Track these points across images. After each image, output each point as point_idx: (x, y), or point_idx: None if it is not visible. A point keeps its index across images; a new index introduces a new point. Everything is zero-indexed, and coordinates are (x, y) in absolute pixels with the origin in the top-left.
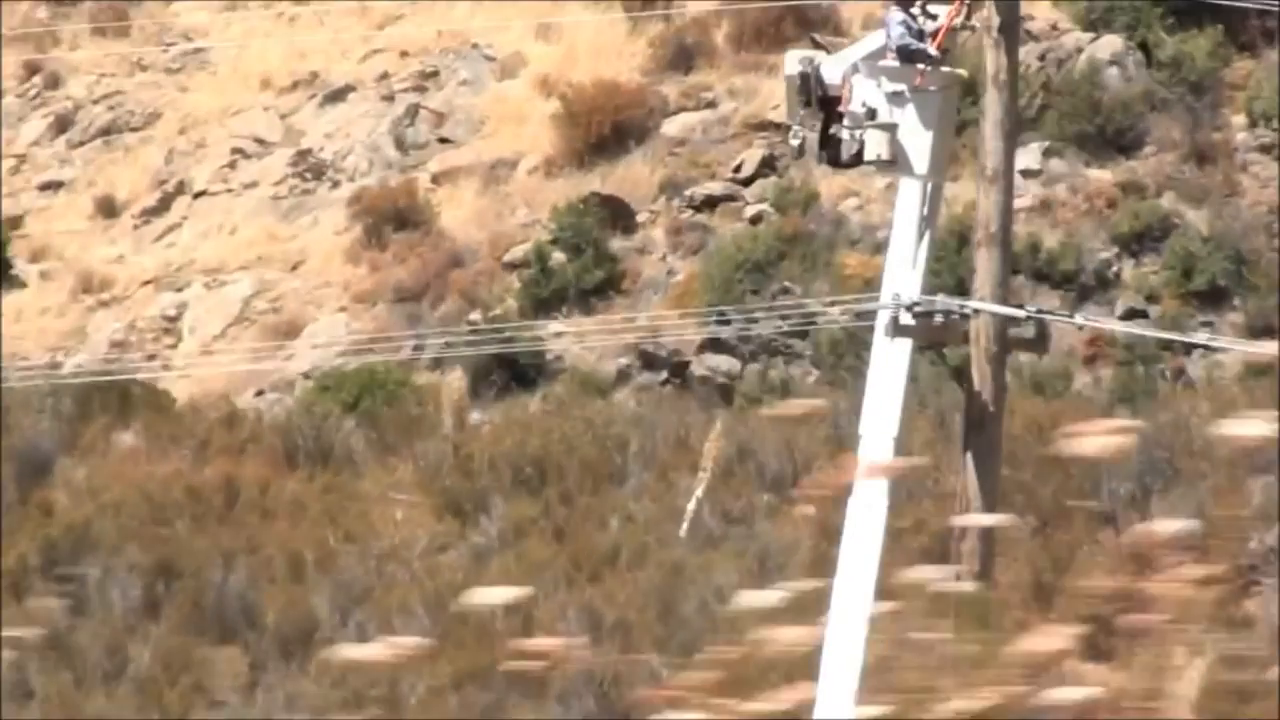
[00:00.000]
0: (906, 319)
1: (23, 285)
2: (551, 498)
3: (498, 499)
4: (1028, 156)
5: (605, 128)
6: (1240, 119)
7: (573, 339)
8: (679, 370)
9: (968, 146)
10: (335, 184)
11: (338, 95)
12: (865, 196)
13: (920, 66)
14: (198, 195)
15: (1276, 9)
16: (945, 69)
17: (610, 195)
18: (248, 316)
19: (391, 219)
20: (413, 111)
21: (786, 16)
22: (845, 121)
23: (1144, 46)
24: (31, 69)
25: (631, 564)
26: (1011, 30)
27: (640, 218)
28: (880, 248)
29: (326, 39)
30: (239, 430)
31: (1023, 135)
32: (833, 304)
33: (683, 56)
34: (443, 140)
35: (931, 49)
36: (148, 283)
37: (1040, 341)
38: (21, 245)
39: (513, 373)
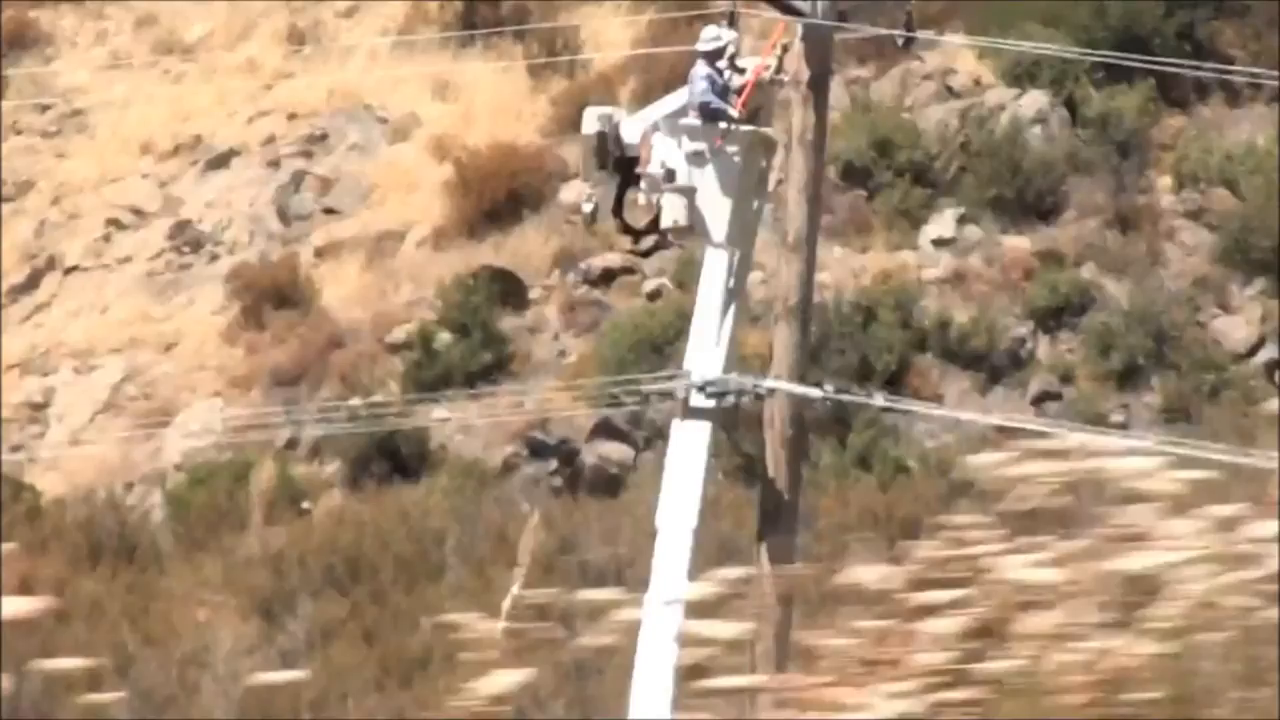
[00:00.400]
0: (699, 400)
1: None
2: (362, 597)
3: (306, 599)
4: (941, 224)
5: (500, 194)
6: (1167, 181)
7: (457, 426)
8: (569, 459)
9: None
10: (214, 258)
11: (221, 160)
12: (769, 270)
13: (722, 126)
14: (69, 271)
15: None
16: (749, 128)
17: (501, 269)
18: (118, 403)
19: (271, 297)
20: (298, 178)
21: None
22: (642, 184)
23: (1070, 103)
24: None
25: (443, 668)
26: (821, 85)
27: (533, 293)
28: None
29: (212, 100)
30: (40, 526)
31: (937, 200)
32: (624, 384)
33: None
34: (328, 210)
35: (733, 110)
36: (13, 366)
37: (842, 424)
38: None
39: (394, 462)
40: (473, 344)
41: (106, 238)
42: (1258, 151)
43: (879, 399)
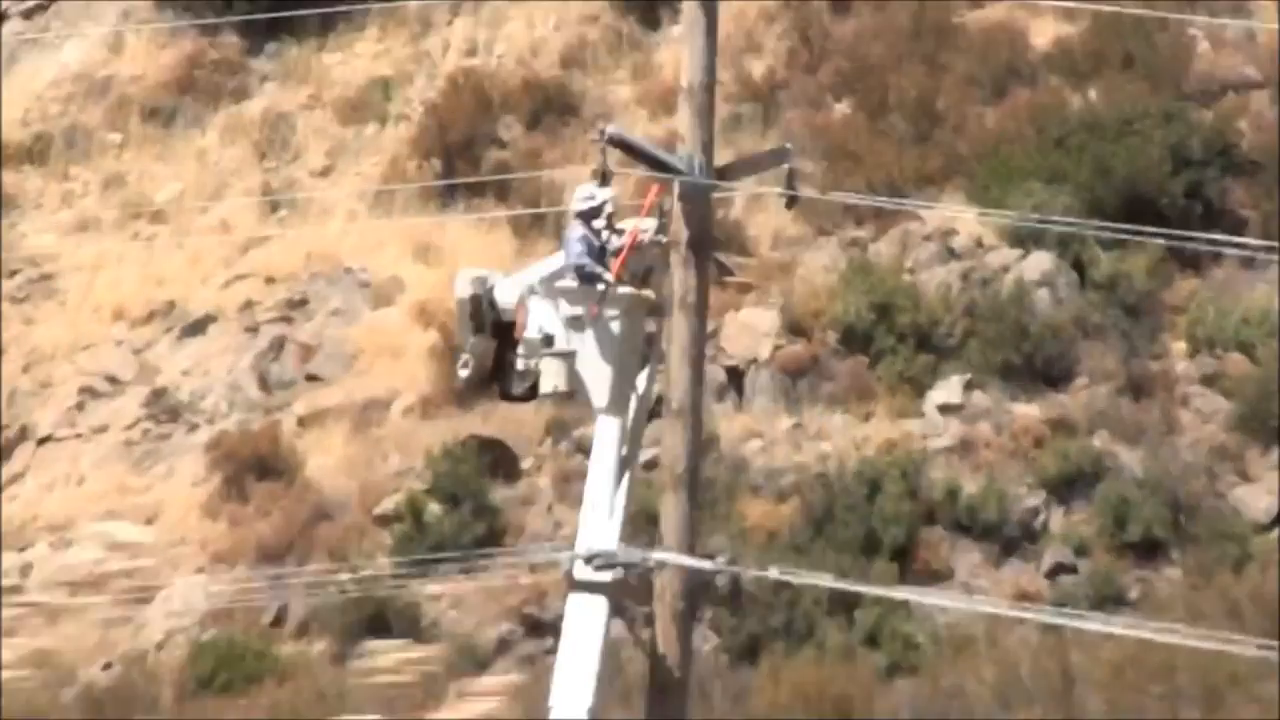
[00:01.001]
0: (588, 574)
1: None
2: None
3: None
4: (948, 390)
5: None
6: (1181, 346)
7: (450, 601)
8: None
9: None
10: (193, 427)
11: (197, 327)
12: (769, 438)
13: (599, 287)
14: (42, 441)
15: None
16: (628, 291)
17: (491, 438)
18: (97, 579)
19: (253, 467)
20: (278, 345)
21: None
22: (520, 349)
23: (1077, 265)
24: None
25: None
26: (702, 246)
27: (525, 464)
28: (785, 495)
29: (185, 263)
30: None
31: (942, 366)
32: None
33: None
34: (310, 377)
35: (609, 273)
36: None
37: (735, 598)
38: None
39: (385, 639)
40: (464, 516)
41: (80, 406)
42: (1273, 315)
43: (773, 572)
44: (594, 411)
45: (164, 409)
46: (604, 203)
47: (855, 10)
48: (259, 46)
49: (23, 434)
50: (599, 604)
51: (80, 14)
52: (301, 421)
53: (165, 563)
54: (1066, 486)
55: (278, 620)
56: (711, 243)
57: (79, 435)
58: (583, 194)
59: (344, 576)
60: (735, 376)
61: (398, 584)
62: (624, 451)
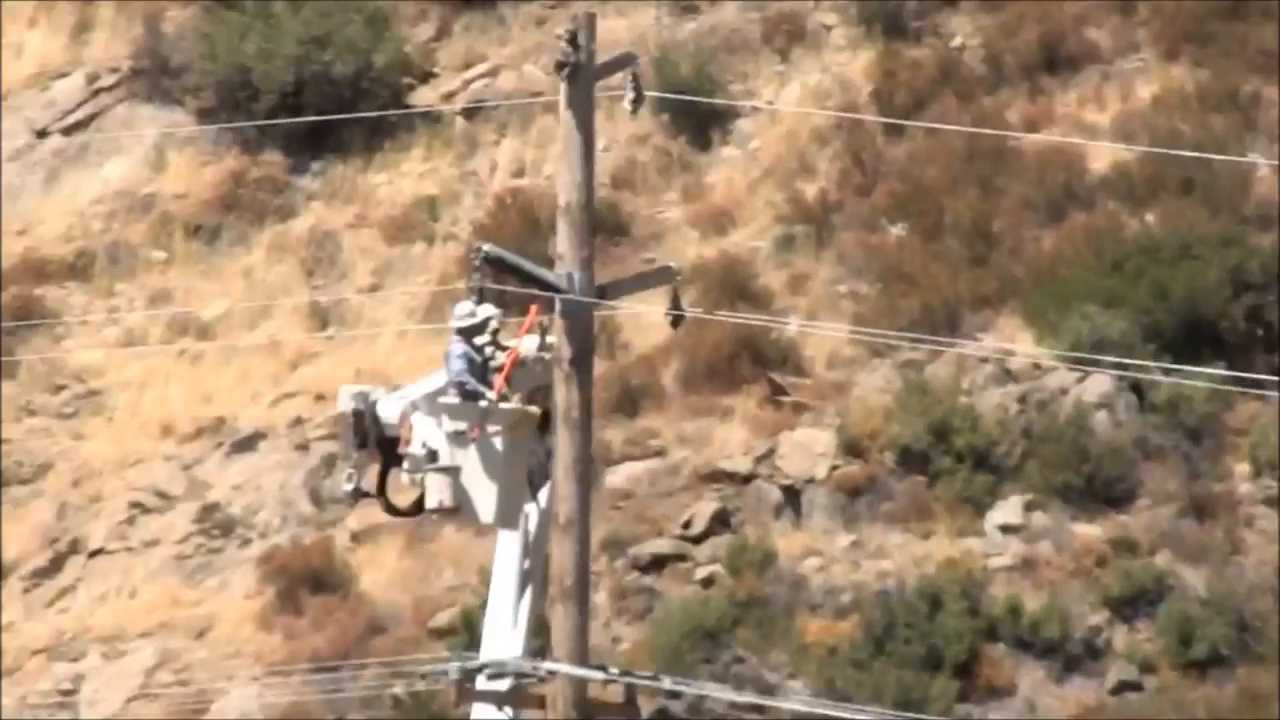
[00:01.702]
0: (483, 683)
1: None
2: None
3: None
4: (1008, 510)
5: None
6: (1244, 468)
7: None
8: None
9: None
10: (245, 542)
11: (247, 443)
12: (828, 556)
13: (481, 404)
14: (93, 554)
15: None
16: (511, 406)
17: (547, 554)
18: (151, 690)
19: (307, 581)
20: (329, 461)
21: (742, 354)
22: (405, 464)
23: (1137, 388)
24: None
25: None
26: (584, 362)
27: None
28: (845, 612)
29: (233, 380)
30: None
31: (1002, 487)
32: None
33: (628, 399)
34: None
35: (490, 390)
36: (39, 652)
37: (630, 706)
38: None
39: None
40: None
41: (131, 520)
42: None
43: (666, 682)
44: (480, 526)
45: (215, 524)
46: (486, 319)
47: (909, 133)
48: (303, 165)
49: (74, 547)
50: (490, 712)
51: (122, 131)
52: (355, 537)
53: (219, 675)
54: (1129, 605)
55: None
56: (592, 359)
57: (130, 549)
58: (462, 311)
59: (398, 690)
60: (792, 495)
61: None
62: (526, 565)
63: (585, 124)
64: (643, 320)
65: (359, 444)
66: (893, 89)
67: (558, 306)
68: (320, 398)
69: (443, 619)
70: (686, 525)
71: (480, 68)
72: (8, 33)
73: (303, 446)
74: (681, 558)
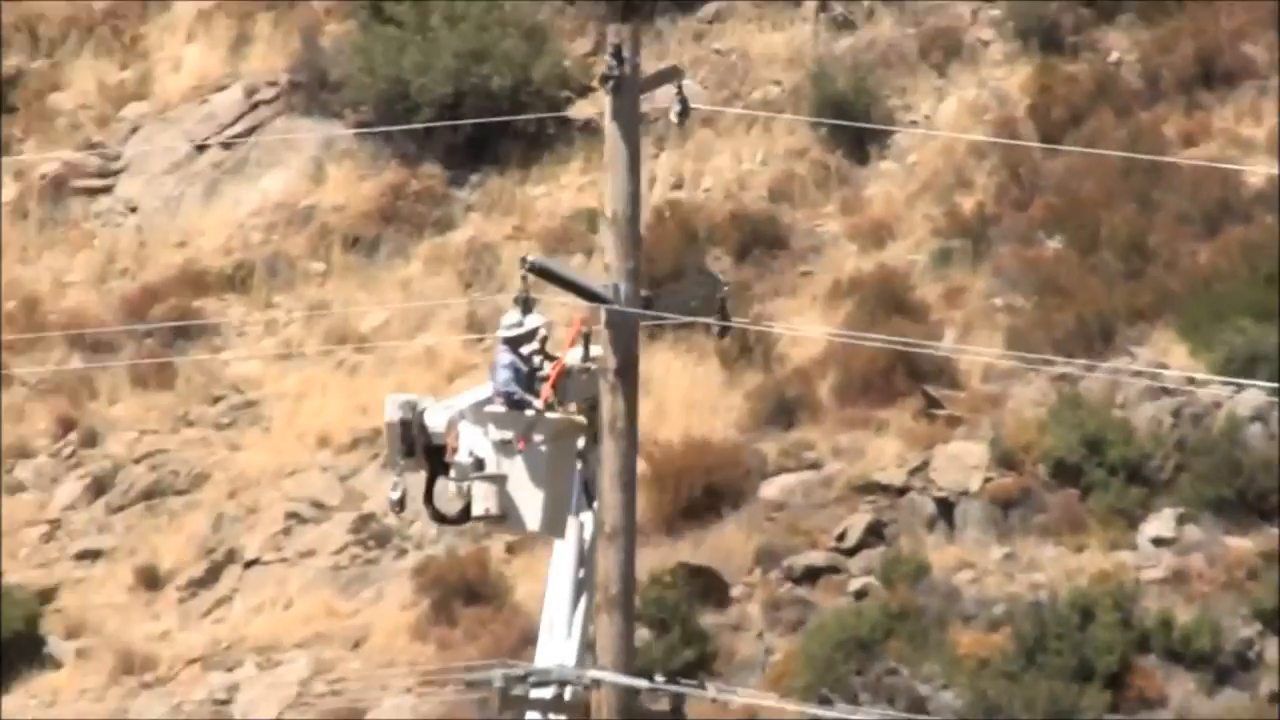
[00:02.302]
0: (522, 690)
1: (57, 665)
2: None
3: None
4: (1160, 523)
5: (696, 490)
6: None
7: None
8: None
9: None
10: (401, 553)
11: None
12: (981, 568)
13: (527, 414)
14: (249, 565)
15: None
16: (558, 415)
17: (701, 566)
18: (306, 700)
19: (461, 592)
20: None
21: (897, 367)
22: (452, 473)
23: None
24: (66, 424)
25: None
26: (629, 373)
27: (734, 591)
28: (997, 624)
29: (391, 391)
30: None
31: (1155, 500)
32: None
33: (783, 411)
34: None
35: (537, 400)
36: (194, 661)
37: (676, 714)
38: (55, 620)
39: None
40: (673, 641)
41: (287, 531)
42: None
43: (712, 690)
44: (526, 534)
45: (371, 534)
46: (534, 329)
47: (1065, 146)
48: (462, 177)
49: (230, 557)
50: None
51: (280, 144)
52: (509, 548)
53: (373, 685)
54: None
55: None
56: (637, 369)
57: (285, 559)
58: (509, 321)
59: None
60: (945, 508)
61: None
62: (581, 574)
63: (631, 136)
64: (800, 334)
65: (406, 452)
66: (1049, 103)
67: (603, 317)
68: None
69: (593, 631)
70: (840, 537)
71: None
72: (167, 46)
73: None
74: (835, 569)
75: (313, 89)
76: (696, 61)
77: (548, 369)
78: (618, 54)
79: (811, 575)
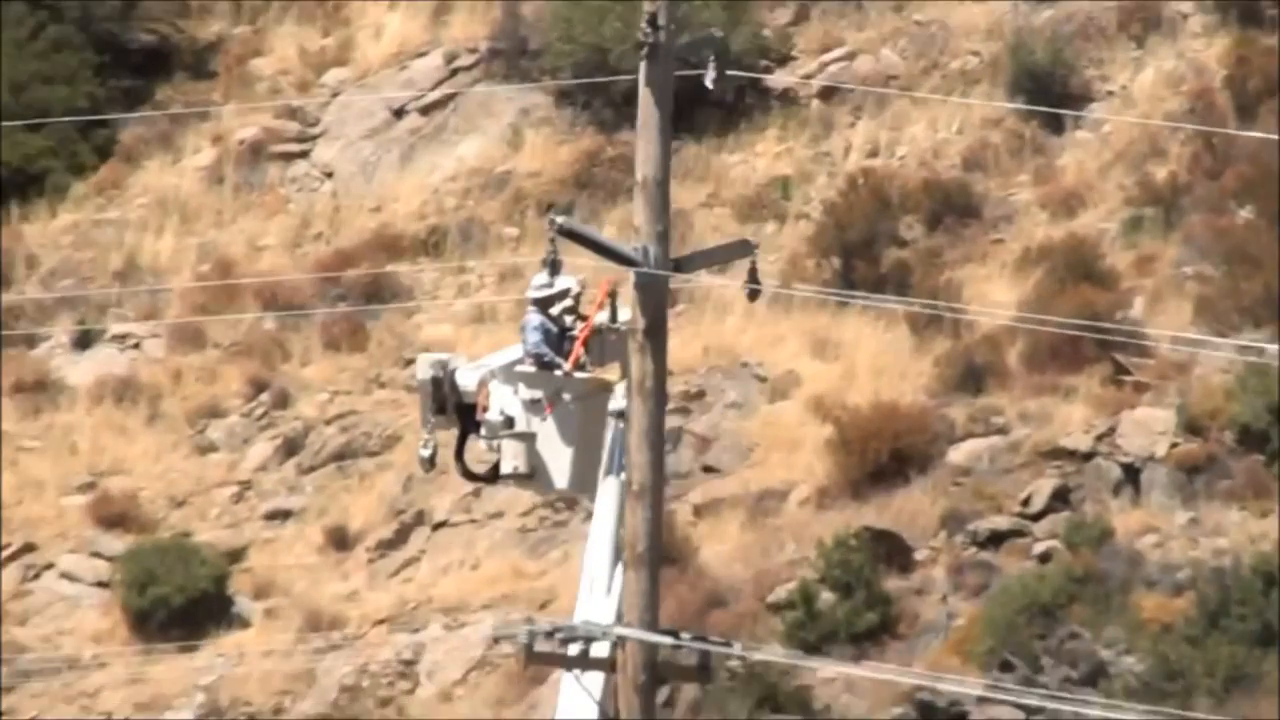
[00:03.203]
0: (545, 646)
1: (245, 624)
2: None
3: None
4: None
5: (883, 455)
6: None
7: (843, 686)
8: None
9: None
10: (589, 515)
11: None
12: (1165, 533)
13: (558, 373)
14: (437, 526)
15: None
16: (586, 375)
17: (885, 530)
18: (491, 660)
19: None
20: (675, 436)
21: (1085, 334)
22: (482, 431)
23: None
24: (259, 386)
25: None
26: (658, 334)
27: (919, 555)
28: (1180, 589)
29: None
30: None
31: None
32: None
33: (971, 377)
34: (707, 469)
35: (566, 364)
36: (381, 622)
37: (703, 671)
38: (244, 580)
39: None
40: (856, 604)
41: (476, 493)
42: None
43: (737, 648)
44: (554, 493)
45: (560, 497)
46: (565, 290)
47: (1261, 118)
48: None
49: (419, 518)
50: (595, 680)
51: (478, 111)
52: (697, 511)
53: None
54: None
55: (669, 701)
56: (665, 330)
57: (474, 521)
58: (538, 282)
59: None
60: (1131, 473)
61: (789, 668)
62: (622, 531)
63: (663, 102)
64: (988, 299)
65: (437, 410)
66: (1246, 75)
67: (632, 279)
68: (669, 374)
69: (781, 594)
70: (1025, 502)
71: (837, 51)
72: (368, 14)
73: None
74: (1019, 534)
75: (512, 56)
76: (896, 32)
77: (580, 330)
78: (653, 21)
79: (996, 540)
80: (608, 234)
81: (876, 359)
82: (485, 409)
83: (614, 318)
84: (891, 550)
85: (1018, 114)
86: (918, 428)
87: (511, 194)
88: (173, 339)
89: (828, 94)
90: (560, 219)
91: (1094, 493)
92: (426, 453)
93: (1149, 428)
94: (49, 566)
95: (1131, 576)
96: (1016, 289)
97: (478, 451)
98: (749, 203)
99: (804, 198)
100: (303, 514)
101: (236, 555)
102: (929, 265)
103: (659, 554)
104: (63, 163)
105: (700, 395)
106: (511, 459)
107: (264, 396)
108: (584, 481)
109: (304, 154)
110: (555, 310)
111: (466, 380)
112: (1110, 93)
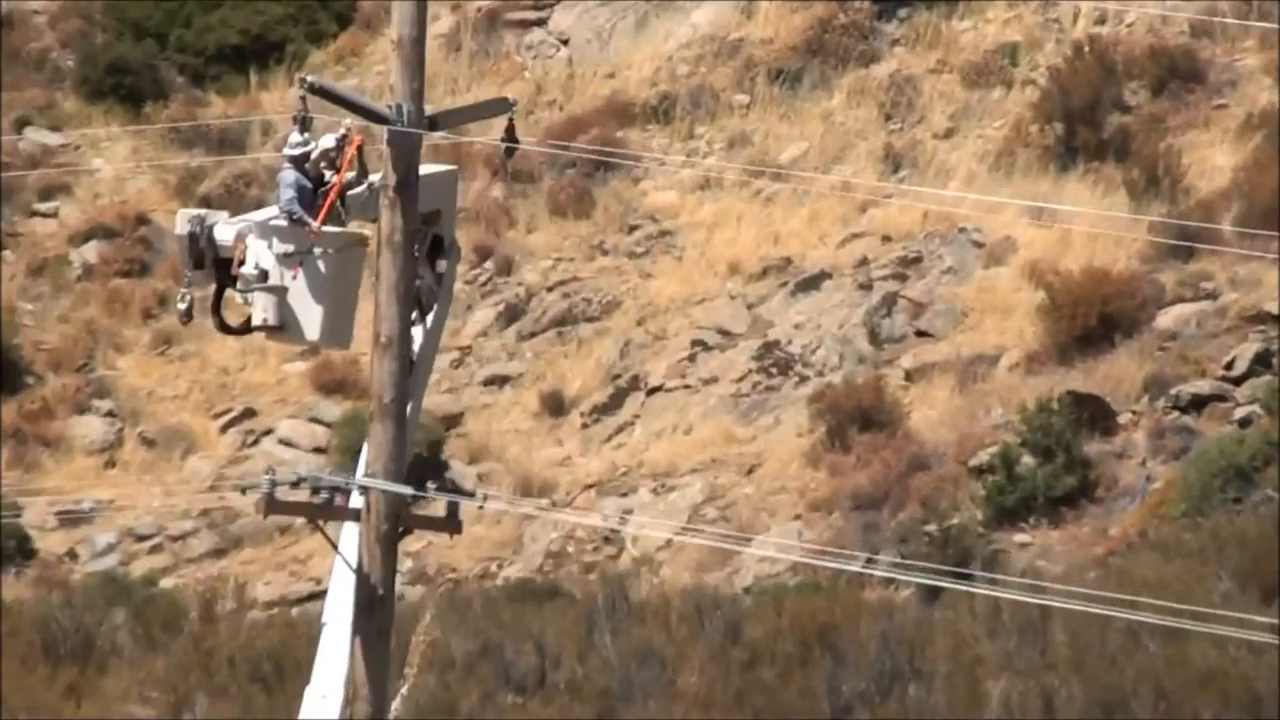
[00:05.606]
0: (293, 496)
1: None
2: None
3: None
4: None
5: (1092, 320)
6: None
7: (1039, 551)
8: None
9: None
10: (801, 380)
11: (811, 283)
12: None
13: (312, 224)
14: (652, 391)
15: None
16: (340, 229)
17: (1088, 394)
18: (695, 525)
19: (856, 419)
20: (890, 301)
21: None
22: (238, 285)
23: None
24: (484, 253)
25: None
26: (408, 190)
27: (1121, 419)
28: None
29: (803, 221)
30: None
31: None
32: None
33: (1184, 241)
34: (920, 333)
35: (315, 222)
36: (590, 487)
37: (452, 520)
38: (459, 445)
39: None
40: (1055, 468)
41: (691, 358)
42: None
43: (480, 497)
44: (306, 344)
45: (774, 362)
46: (317, 147)
47: None
48: (890, 11)
49: (634, 384)
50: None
51: None
52: (908, 376)
53: (763, 510)
54: None
55: (868, 565)
56: (417, 187)
57: (688, 386)
58: (294, 140)
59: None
60: None
61: (984, 533)
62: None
63: None
64: (1208, 164)
65: (195, 264)
66: None
67: (385, 136)
68: (887, 239)
69: (983, 457)
70: (1228, 366)
71: None
72: None
73: (865, 286)
74: (1221, 398)
75: None
76: None
77: (329, 186)
78: None
79: (1198, 404)
80: (838, 101)
81: (1093, 223)
82: (241, 263)
83: (363, 174)
84: (1094, 414)
85: None
86: (1127, 293)
87: (743, 61)
88: None
89: None
90: (310, 78)
91: None
92: (183, 306)
93: None
94: (268, 432)
95: None
96: (1236, 154)
97: (236, 306)
98: (976, 69)
99: (1031, 64)
100: (520, 380)
101: (453, 420)
102: (1150, 131)
103: (404, 405)
104: (301, 30)
105: (917, 260)
106: (262, 311)
107: (488, 264)
108: (335, 334)
109: (540, 22)
110: (321, 168)
111: (224, 235)
112: None
